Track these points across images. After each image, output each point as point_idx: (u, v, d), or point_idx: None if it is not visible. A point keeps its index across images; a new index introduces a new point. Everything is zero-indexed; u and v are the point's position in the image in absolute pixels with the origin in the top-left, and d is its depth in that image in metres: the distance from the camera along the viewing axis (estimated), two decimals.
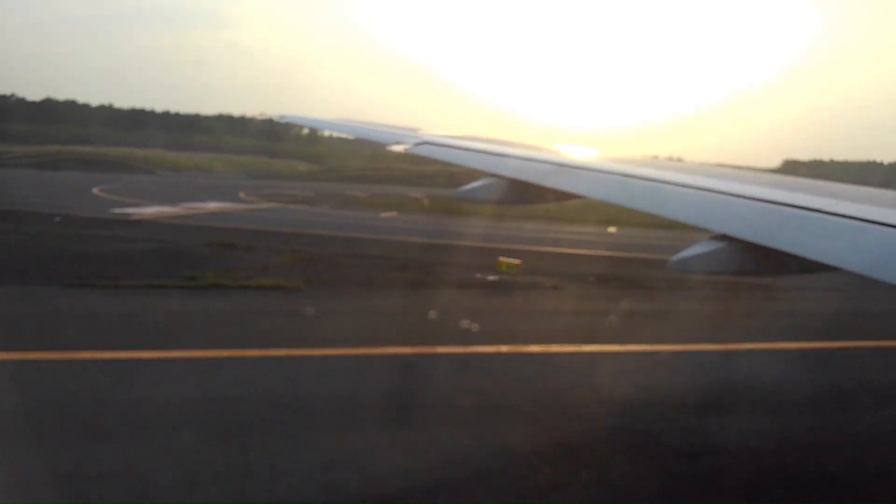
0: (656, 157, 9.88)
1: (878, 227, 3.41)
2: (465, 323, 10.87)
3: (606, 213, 26.78)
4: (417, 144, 8.47)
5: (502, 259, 15.04)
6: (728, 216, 4.34)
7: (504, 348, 9.67)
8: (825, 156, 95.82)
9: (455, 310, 11.90)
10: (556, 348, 9.81)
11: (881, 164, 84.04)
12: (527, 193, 6.55)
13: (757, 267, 4.25)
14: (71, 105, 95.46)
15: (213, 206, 27.75)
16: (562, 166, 6.26)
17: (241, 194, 34.89)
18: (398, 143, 8.95)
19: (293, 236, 19.50)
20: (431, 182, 52.21)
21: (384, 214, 29.84)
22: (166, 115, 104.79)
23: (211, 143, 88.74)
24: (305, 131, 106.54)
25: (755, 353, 10.70)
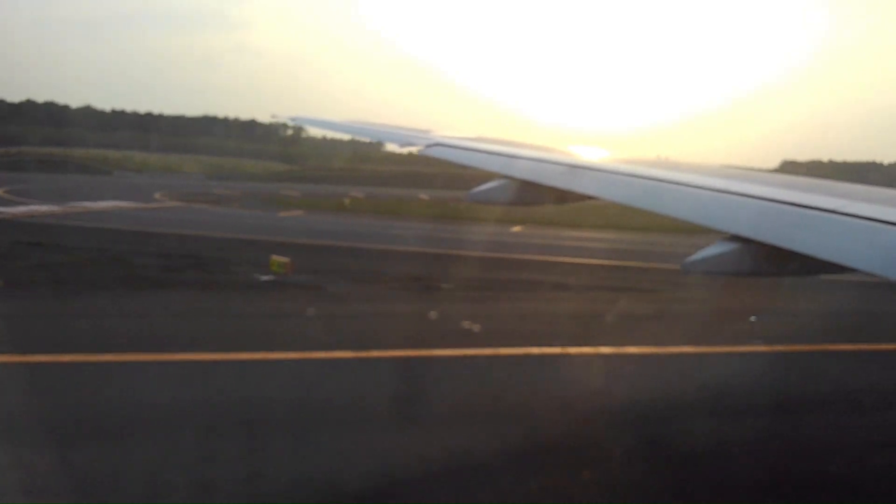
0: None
1: (894, 227, 3.41)
2: (129, 327, 9.87)
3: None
4: (429, 146, 8.50)
5: (274, 257, 14.34)
6: (741, 217, 4.34)
7: (146, 356, 8.38)
8: (824, 156, 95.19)
9: (148, 312, 10.93)
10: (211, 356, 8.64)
11: (881, 164, 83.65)
12: (539, 195, 6.56)
13: (770, 268, 4.25)
14: (50, 106, 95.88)
15: (104, 205, 27.06)
16: (574, 167, 6.27)
17: (157, 195, 34.34)
18: (410, 144, 8.99)
19: (131, 235, 19.08)
20: (419, 183, 52.71)
21: (282, 214, 29.22)
22: (149, 116, 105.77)
23: (198, 145, 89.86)
24: (290, 132, 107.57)
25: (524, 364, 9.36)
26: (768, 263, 4.13)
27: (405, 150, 9.29)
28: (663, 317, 12.82)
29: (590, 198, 6.09)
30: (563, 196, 6.35)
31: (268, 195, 38.86)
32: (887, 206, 3.79)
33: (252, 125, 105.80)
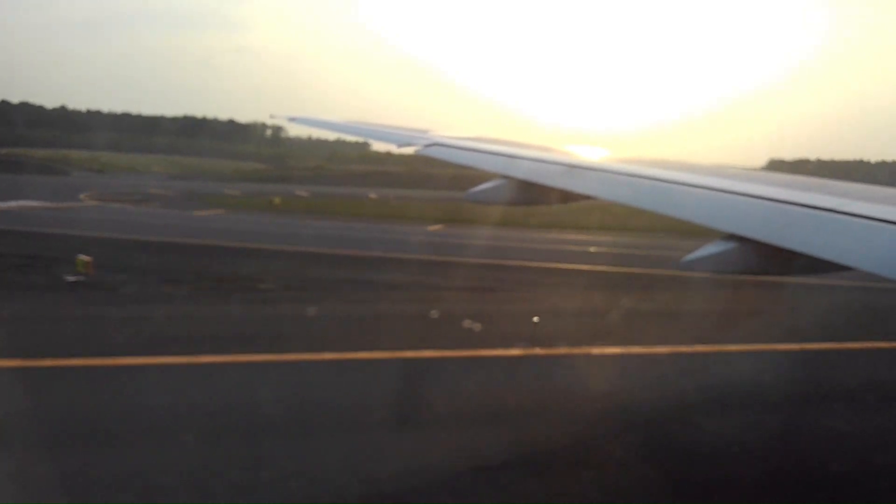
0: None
1: (892, 226, 3.42)
2: None
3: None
4: (427, 146, 8.50)
5: (79, 257, 14.01)
6: (739, 216, 4.35)
7: None
8: (811, 155, 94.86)
9: None
10: None
11: (868, 162, 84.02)
12: (538, 194, 6.56)
13: (768, 267, 4.25)
14: (25, 107, 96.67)
15: (9, 205, 27.01)
16: (573, 167, 6.27)
17: (82, 195, 34.18)
18: (408, 144, 8.98)
19: None
20: (401, 183, 53.03)
21: (197, 213, 28.65)
22: (126, 116, 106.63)
23: (179, 145, 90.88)
24: (269, 133, 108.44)
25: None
26: (767, 262, 4.13)
27: (402, 151, 9.27)
28: (448, 319, 11.60)
29: (588, 197, 6.09)
30: (561, 196, 6.35)
31: (205, 194, 38.50)
32: (886, 204, 3.80)
33: (231, 125, 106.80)
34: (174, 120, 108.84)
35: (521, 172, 6.68)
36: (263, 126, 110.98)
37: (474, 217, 25.65)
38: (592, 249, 22.09)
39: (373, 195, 44.43)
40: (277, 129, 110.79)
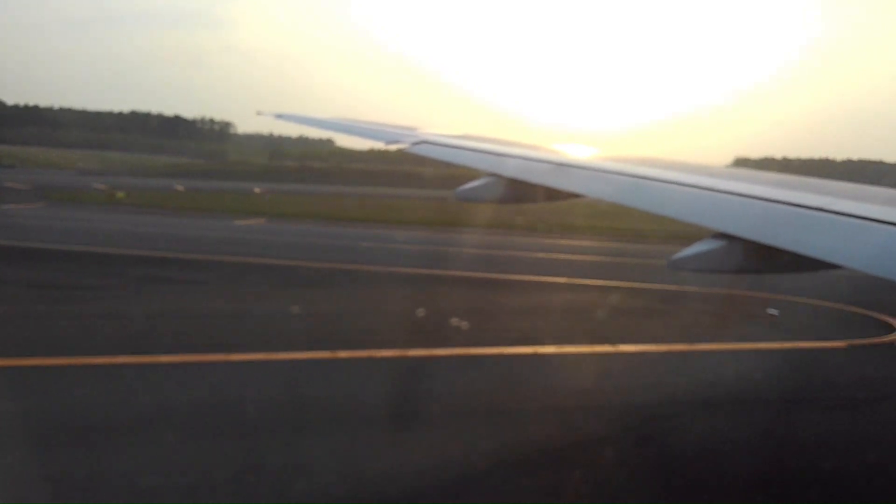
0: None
1: (879, 224, 3.44)
2: None
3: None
4: (415, 144, 8.47)
5: None
6: (728, 215, 4.35)
7: None
8: (777, 154, 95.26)
9: None
10: None
11: (833, 160, 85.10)
12: (526, 192, 6.56)
13: (757, 265, 4.26)
14: None
15: None
16: (561, 165, 6.27)
17: None
18: (396, 142, 8.94)
19: None
20: (342, 180, 53.00)
21: (11, 206, 27.39)
22: (69, 111, 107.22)
23: (126, 141, 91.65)
24: (217, 129, 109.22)
25: None
26: (755, 260, 4.14)
27: (390, 147, 9.22)
28: (115, 320, 10.42)
29: (576, 195, 6.09)
30: (550, 193, 6.34)
31: (62, 188, 37.54)
32: (873, 203, 3.82)
33: (177, 121, 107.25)
34: (120, 116, 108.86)
35: (510, 171, 6.67)
36: (211, 122, 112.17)
37: (343, 214, 24.27)
38: (414, 247, 19.88)
39: (258, 190, 43.32)
40: (225, 126, 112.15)
